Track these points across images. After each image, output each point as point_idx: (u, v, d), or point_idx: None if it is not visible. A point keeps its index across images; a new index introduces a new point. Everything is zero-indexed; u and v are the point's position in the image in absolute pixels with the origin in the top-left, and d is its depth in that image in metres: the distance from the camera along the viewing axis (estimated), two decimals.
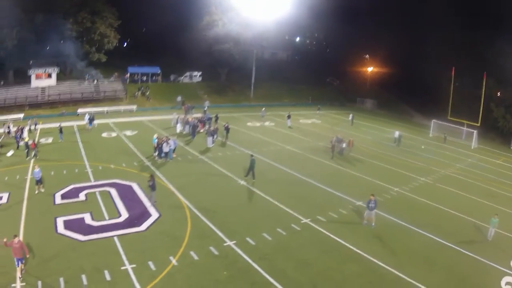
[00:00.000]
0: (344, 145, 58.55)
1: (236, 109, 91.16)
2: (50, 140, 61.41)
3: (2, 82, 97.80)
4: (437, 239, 33.73)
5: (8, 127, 66.61)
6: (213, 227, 33.32)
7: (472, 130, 74.35)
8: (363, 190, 41.88)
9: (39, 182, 41.36)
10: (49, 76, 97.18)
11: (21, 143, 56.47)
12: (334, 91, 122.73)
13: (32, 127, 67.64)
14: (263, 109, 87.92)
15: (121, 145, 59.82)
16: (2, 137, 62.63)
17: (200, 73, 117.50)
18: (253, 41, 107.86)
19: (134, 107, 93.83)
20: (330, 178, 46.83)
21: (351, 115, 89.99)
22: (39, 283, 24.48)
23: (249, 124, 79.95)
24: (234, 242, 30.54)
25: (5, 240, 25.41)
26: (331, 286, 25.89)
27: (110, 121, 77.68)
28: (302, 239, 31.77)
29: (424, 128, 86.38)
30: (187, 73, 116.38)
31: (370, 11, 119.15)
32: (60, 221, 34.47)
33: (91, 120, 70.57)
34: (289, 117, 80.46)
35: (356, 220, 36.05)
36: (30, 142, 53.44)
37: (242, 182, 44.56)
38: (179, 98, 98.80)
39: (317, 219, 35.24)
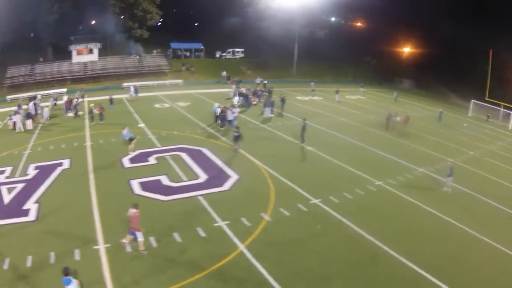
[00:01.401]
0: (398, 118, 57.40)
1: (280, 85, 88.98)
2: (96, 111, 58.76)
3: (41, 58, 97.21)
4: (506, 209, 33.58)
5: (54, 100, 66.45)
6: (294, 186, 33.49)
7: (509, 112, 73.76)
8: (421, 159, 43.29)
9: (131, 140, 41.29)
10: (91, 51, 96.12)
11: (81, 113, 58.14)
12: (372, 70, 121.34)
13: (80, 100, 65.30)
14: (312, 83, 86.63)
15: (177, 114, 59.91)
16: (49, 108, 61.40)
17: (242, 49, 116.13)
18: (293, 19, 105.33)
19: (180, 81, 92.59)
20: (388, 147, 47.20)
21: (395, 93, 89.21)
22: (127, 243, 24.10)
23: (298, 97, 79.10)
24: (320, 200, 31.01)
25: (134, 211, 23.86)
26: (414, 237, 26.89)
27: (159, 93, 77.12)
28: (379, 199, 32.49)
29: (461, 108, 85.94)
30: (230, 50, 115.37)
31: None
32: (135, 183, 33.62)
33: (135, 91, 71.50)
34: (337, 92, 79.62)
35: (424, 185, 36.77)
36: (94, 110, 54.59)
37: (310, 148, 44.72)
38: (223, 73, 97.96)
39: (389, 182, 35.73)
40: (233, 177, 34.85)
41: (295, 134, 48.06)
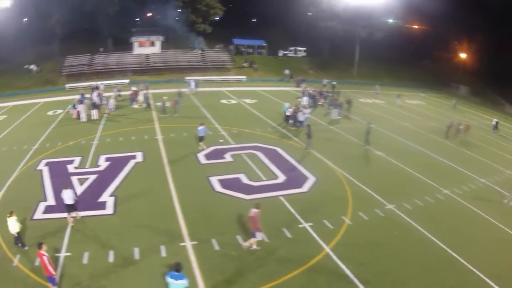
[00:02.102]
0: (461, 127, 54.89)
1: (341, 86, 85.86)
2: (168, 104, 58.23)
3: (102, 49, 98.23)
4: None
5: (118, 91, 65.70)
6: (369, 191, 33.11)
7: None
8: (482, 170, 41.70)
9: (201, 139, 40.17)
10: (152, 44, 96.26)
11: (144, 105, 58.53)
12: (429, 74, 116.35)
13: (145, 91, 63.63)
14: (377, 86, 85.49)
15: (245, 111, 58.79)
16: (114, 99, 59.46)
17: (304, 48, 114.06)
18: (354, 20, 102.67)
19: (243, 77, 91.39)
20: (450, 155, 45.71)
21: (454, 100, 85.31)
22: (214, 241, 24.17)
23: (361, 100, 76.81)
24: (394, 205, 30.78)
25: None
26: (479, 246, 26.41)
27: (223, 89, 76.19)
28: (447, 207, 32.08)
29: None
30: (292, 48, 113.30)
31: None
32: (214, 180, 32.59)
33: (196, 85, 72.09)
34: (399, 96, 76.88)
35: (487, 196, 35.44)
36: (167, 102, 54.93)
37: (379, 152, 43.55)
38: (286, 72, 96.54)
39: (455, 191, 34.84)
40: (310, 178, 34.13)
41: (362, 137, 46.73)
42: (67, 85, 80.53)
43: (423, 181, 36.66)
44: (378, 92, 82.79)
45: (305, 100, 63.89)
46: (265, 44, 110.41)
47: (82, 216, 25.95)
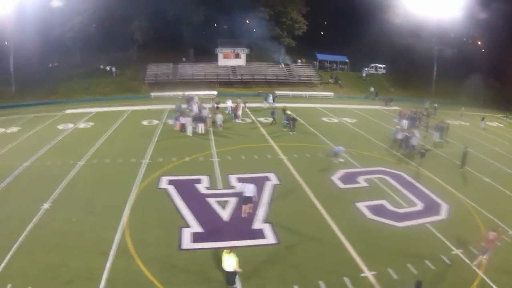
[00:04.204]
0: None
1: (421, 106, 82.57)
2: (270, 120, 59.13)
3: (184, 58, 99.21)
4: None
5: (216, 103, 65.74)
6: (491, 216, 31.52)
7: None
8: None
9: (336, 155, 40.67)
10: (237, 56, 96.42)
11: (249, 120, 59.27)
12: (497, 94, 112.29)
13: (242, 105, 64.34)
14: (463, 108, 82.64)
15: (351, 131, 57.58)
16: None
17: (384, 65, 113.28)
18: (431, 38, 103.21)
19: (331, 93, 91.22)
20: None
21: None
22: (390, 270, 23.33)
23: (447, 121, 71.37)
24: None
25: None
26: None
27: (315, 105, 75.76)
28: None
29: None
30: (373, 65, 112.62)
31: None
32: (362, 206, 31.75)
33: (273, 99, 72.32)
34: (483, 119, 74.06)
35: None
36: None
37: (486, 179, 41.06)
38: (372, 90, 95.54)
39: None
40: (443, 204, 33.10)
41: (464, 161, 44.57)
42: (153, 94, 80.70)
43: None
44: (464, 114, 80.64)
45: (404, 123, 62.03)
46: (347, 60, 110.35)
47: (240, 246, 24.50)
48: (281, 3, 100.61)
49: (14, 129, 57.78)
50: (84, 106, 73.34)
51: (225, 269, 20.78)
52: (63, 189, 33.98)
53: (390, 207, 32.01)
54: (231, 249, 20.87)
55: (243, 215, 29.16)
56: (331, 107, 75.74)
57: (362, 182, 36.97)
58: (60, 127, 57.73)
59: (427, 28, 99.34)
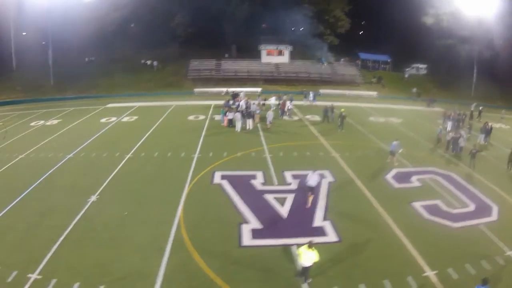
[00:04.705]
0: None
1: (464, 107, 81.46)
2: (316, 117, 60.55)
3: (227, 55, 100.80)
4: None
5: (263, 100, 66.91)
6: None
7: None
8: None
9: (393, 154, 40.66)
10: (280, 53, 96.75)
11: (296, 117, 59.99)
12: None
13: (289, 102, 64.58)
14: (503, 111, 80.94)
15: (399, 131, 56.52)
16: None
17: (425, 65, 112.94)
18: (471, 39, 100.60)
19: (374, 93, 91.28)
20: None
21: None
22: (451, 270, 23.13)
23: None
24: None
25: None
26: None
27: (360, 105, 75.97)
28: None
29: None
30: (414, 65, 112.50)
31: None
32: (418, 206, 31.93)
33: (314, 97, 73.16)
34: None
35: None
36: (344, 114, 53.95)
37: None
38: (414, 90, 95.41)
39: None
40: (493, 205, 32.73)
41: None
42: (196, 90, 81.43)
43: None
44: (504, 117, 78.74)
45: (449, 125, 61.80)
46: (389, 60, 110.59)
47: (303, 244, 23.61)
48: (325, 0, 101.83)
49: (54, 121, 59.71)
50: (126, 101, 75.19)
51: (302, 265, 20.62)
52: (110, 181, 34.34)
53: (444, 207, 32.05)
54: (311, 243, 20.72)
55: (307, 206, 30.16)
56: (376, 107, 76.08)
57: (415, 182, 37.06)
58: (102, 120, 59.40)
59: (468, 29, 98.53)
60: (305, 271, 20.73)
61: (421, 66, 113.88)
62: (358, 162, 41.60)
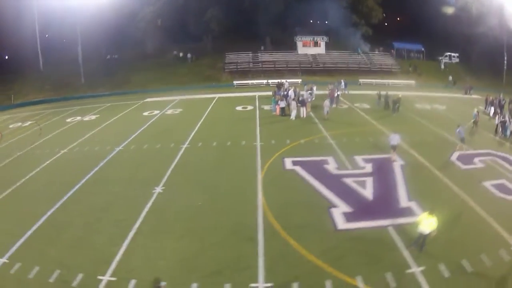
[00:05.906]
0: None
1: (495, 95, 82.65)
2: (364, 105, 62.56)
3: (262, 47, 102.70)
4: None
5: (310, 90, 66.72)
6: None
7: None
8: None
9: (462, 140, 41.41)
10: (316, 44, 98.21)
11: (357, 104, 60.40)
12: None
13: (339, 93, 67.15)
14: None
15: (447, 117, 58.34)
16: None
17: (457, 54, 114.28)
18: (501, 27, 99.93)
19: (412, 82, 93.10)
20: None
21: None
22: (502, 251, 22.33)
23: None
24: None
25: None
26: None
27: (401, 93, 73.14)
28: None
29: None
30: (447, 54, 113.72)
31: None
32: (488, 185, 33.11)
33: (345, 86, 74.57)
34: None
35: None
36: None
37: None
38: (450, 78, 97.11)
39: None
40: None
41: None
42: (235, 82, 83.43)
43: None
44: None
45: (491, 110, 63.66)
46: (423, 49, 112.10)
47: (398, 224, 24.46)
48: None
49: (92, 116, 61.30)
50: (164, 95, 77.02)
51: (422, 232, 20.91)
52: (172, 172, 34.03)
53: (510, 186, 33.05)
54: (431, 211, 21.17)
55: (392, 160, 35.81)
56: (417, 95, 77.35)
57: (478, 163, 38.40)
58: (145, 113, 60.99)
59: (497, 17, 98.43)
60: (423, 238, 21.02)
61: (453, 54, 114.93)
62: (421, 145, 42.64)
